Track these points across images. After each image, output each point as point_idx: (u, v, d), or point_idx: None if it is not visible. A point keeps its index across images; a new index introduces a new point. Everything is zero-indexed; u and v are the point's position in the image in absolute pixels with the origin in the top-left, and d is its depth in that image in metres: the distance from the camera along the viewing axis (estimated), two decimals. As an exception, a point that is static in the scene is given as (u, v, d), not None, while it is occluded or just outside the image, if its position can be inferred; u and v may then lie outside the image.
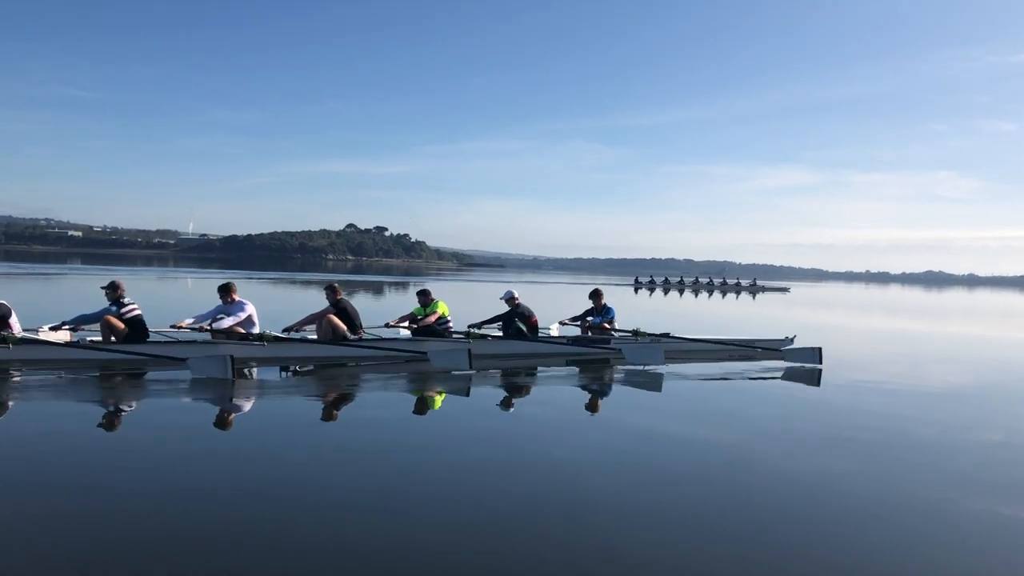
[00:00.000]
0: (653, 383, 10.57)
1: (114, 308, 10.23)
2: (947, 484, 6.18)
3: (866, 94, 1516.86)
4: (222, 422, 7.60)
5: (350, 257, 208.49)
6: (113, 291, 10.31)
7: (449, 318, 12.38)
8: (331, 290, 11.63)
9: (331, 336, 11.20)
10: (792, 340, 14.24)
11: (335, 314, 11.33)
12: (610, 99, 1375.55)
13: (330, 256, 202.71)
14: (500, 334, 12.68)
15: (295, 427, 7.36)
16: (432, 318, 12.14)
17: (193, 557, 4.05)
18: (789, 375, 11.83)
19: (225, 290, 10.97)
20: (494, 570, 4.14)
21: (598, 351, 12.83)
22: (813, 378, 11.60)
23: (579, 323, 13.93)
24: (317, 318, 11.34)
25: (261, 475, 5.64)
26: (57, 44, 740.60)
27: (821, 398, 10.51)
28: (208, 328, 10.54)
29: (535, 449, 6.85)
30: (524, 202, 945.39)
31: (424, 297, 12.39)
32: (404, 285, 44.43)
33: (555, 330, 13.86)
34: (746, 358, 13.36)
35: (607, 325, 13.58)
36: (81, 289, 27.49)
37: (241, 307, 10.84)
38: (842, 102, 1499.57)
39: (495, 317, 12.89)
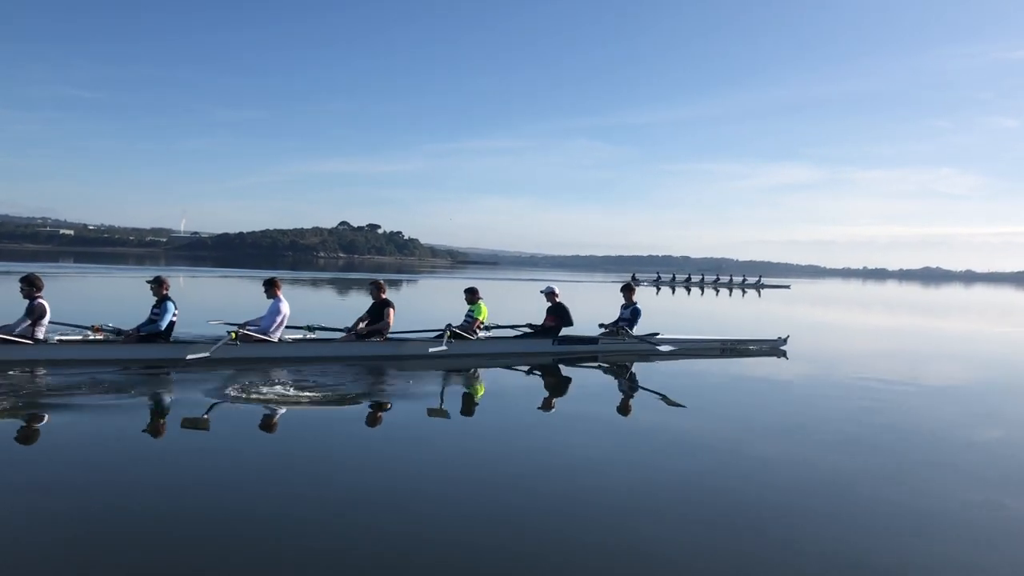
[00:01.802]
0: (636, 381, 10.40)
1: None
2: (948, 480, 6.17)
3: (867, 91, 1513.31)
4: (232, 422, 7.34)
5: (342, 255, 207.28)
6: (159, 286, 10.34)
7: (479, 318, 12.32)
8: (377, 287, 11.67)
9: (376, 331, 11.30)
10: (786, 340, 14.01)
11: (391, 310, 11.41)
12: (612, 97, 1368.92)
13: (321, 254, 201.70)
14: (488, 334, 12.49)
15: (301, 428, 7.26)
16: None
17: (192, 557, 4.04)
18: (784, 372, 11.74)
19: (266, 286, 11.08)
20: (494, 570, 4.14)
21: (582, 349, 12.70)
22: (809, 375, 11.52)
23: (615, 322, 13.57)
24: (379, 316, 11.33)
25: (261, 475, 5.60)
26: (59, 45, 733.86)
27: (820, 395, 10.41)
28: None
29: (534, 447, 6.75)
30: (524, 200, 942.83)
31: (471, 295, 12.49)
32: (396, 283, 43.58)
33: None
34: (738, 356, 13.28)
35: (610, 326, 13.31)
36: (70, 289, 26.58)
37: (275, 306, 10.91)
38: (843, 99, 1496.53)
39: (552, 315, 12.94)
